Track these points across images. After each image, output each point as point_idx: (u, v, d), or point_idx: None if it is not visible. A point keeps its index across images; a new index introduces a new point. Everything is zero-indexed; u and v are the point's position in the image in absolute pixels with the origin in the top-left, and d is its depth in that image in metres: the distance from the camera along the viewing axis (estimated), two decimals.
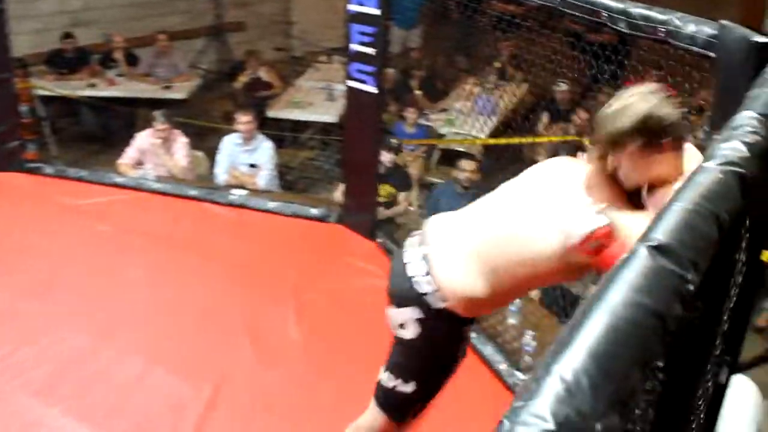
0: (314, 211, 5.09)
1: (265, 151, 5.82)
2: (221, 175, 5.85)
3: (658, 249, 0.87)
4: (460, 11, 4.76)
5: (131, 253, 4.63)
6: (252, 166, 5.81)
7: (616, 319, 0.73)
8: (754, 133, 1.35)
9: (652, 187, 2.05)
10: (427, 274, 2.27)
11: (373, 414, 2.53)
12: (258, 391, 3.48)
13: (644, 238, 0.91)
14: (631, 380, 0.69)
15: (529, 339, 3.67)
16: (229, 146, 5.87)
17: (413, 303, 2.29)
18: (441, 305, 2.26)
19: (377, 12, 4.54)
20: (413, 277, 2.29)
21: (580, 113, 6.49)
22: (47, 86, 7.00)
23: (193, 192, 5.35)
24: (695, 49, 2.48)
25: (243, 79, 7.69)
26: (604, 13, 2.92)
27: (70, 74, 7.40)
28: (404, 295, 2.32)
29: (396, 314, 2.35)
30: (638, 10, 2.75)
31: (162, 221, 5.05)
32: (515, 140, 5.86)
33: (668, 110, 2.02)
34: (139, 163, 5.84)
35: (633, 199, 2.10)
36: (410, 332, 2.33)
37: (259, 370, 3.62)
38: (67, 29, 7.52)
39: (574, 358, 0.67)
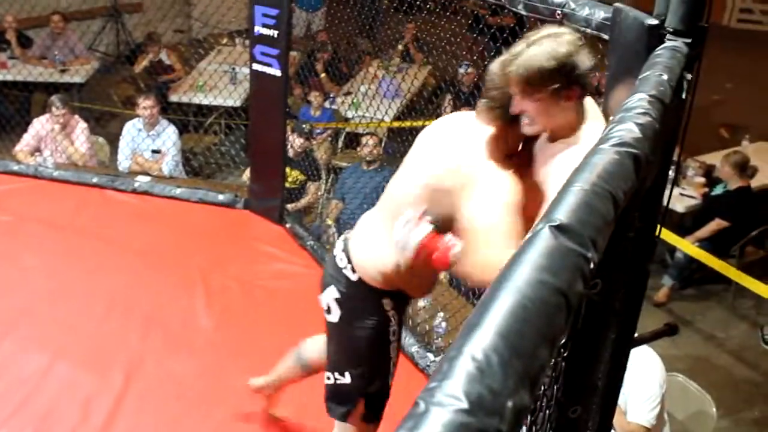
0: (221, 197, 5.04)
1: (168, 136, 5.71)
2: (124, 161, 5.72)
3: (560, 228, 0.91)
4: None
5: (32, 242, 4.50)
6: (155, 152, 5.69)
7: (522, 298, 0.77)
8: (645, 114, 1.40)
9: (553, 135, 2.06)
10: (343, 251, 2.36)
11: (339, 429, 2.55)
12: (168, 380, 3.44)
13: (546, 218, 0.95)
14: (539, 357, 0.72)
15: (439, 321, 3.73)
16: (132, 132, 5.74)
17: (332, 281, 2.37)
18: (354, 277, 2.32)
19: None
20: (335, 257, 2.38)
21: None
22: None
23: (95, 179, 5.22)
24: (590, 31, 2.56)
25: (143, 62, 7.52)
26: None
27: None
28: (326, 274, 2.41)
29: (322, 298, 2.41)
30: None
31: (63, 210, 4.90)
32: (420, 123, 5.93)
33: (584, 57, 2.01)
34: (36, 150, 5.65)
35: (519, 156, 2.12)
36: (334, 315, 2.38)
37: (169, 359, 3.57)
38: None
39: (483, 338, 0.70)
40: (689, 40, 2.03)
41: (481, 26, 7.36)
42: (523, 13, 2.89)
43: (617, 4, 2.35)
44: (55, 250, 4.43)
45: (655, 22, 2.06)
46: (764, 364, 5.16)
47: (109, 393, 3.33)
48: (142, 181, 5.22)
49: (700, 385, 3.66)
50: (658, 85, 1.61)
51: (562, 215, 0.95)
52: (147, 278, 4.16)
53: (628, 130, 1.29)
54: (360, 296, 2.34)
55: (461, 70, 7.12)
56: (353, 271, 2.32)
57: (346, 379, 2.43)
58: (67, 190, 5.17)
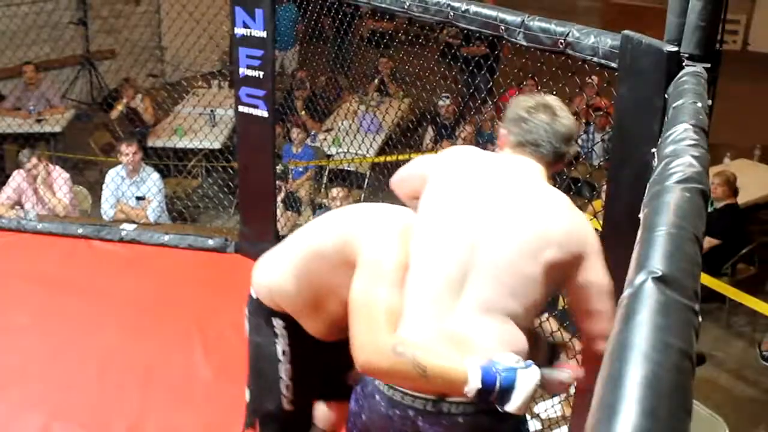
0: (211, 242, 4.94)
1: (153, 182, 5.62)
2: (109, 210, 5.62)
3: (664, 281, 0.85)
4: (334, 30, 4.74)
5: (18, 299, 4.36)
6: (140, 198, 5.60)
7: (653, 366, 0.70)
8: (697, 145, 1.36)
9: None
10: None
11: None
12: None
13: (644, 267, 0.88)
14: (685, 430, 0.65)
15: None
16: (116, 180, 5.65)
17: (246, 302, 2.48)
18: (254, 295, 2.42)
19: (263, 34, 4.47)
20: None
21: (466, 127, 6.56)
22: None
23: (80, 230, 5.09)
24: (596, 59, 2.53)
25: (119, 107, 7.44)
26: (502, 27, 2.94)
27: None
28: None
29: None
30: (536, 22, 2.78)
31: (49, 263, 4.78)
32: (405, 156, 5.88)
33: None
34: (17, 203, 5.53)
35: None
36: (246, 330, 2.50)
37: (171, 414, 3.45)
38: None
39: (628, 422, 0.63)
40: (708, 65, 2.01)
41: (450, 56, 7.38)
42: (524, 43, 2.85)
43: (626, 32, 2.33)
44: (45, 307, 4.29)
45: (674, 48, 2.03)
46: (765, 381, 5.14)
47: None
48: (128, 229, 5.10)
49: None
50: (696, 113, 1.57)
51: (660, 264, 0.89)
52: (142, 331, 4.04)
53: (688, 164, 1.24)
54: (256, 314, 2.43)
55: (441, 103, 7.11)
56: (252, 288, 2.43)
57: (247, 396, 2.52)
58: (53, 242, 5.04)
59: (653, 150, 1.48)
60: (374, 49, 7.88)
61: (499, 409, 1.86)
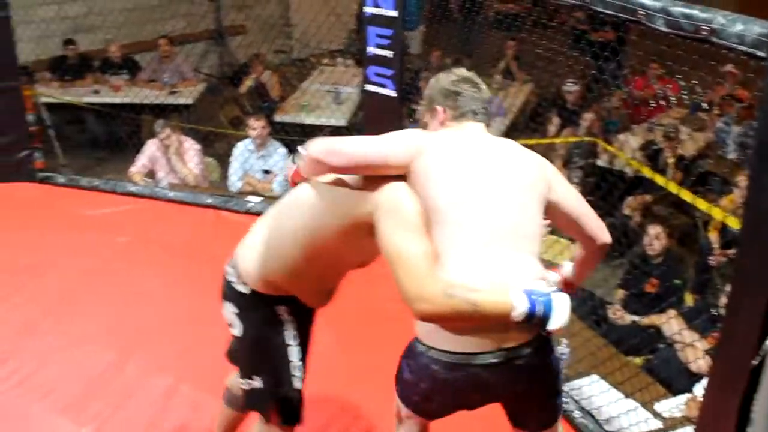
0: None
1: (279, 156, 5.74)
2: (236, 182, 5.77)
3: None
4: (461, 11, 4.69)
5: (150, 264, 4.56)
6: (266, 172, 5.73)
7: None
8: None
9: None
10: (230, 265, 2.44)
11: (258, 427, 2.59)
12: None
13: None
14: None
15: (563, 347, 3.59)
16: (243, 152, 5.79)
17: (228, 298, 2.46)
18: (246, 290, 2.39)
19: (394, 14, 4.48)
20: (226, 272, 2.46)
21: (586, 115, 6.41)
22: (53, 94, 6.91)
23: (209, 200, 5.28)
24: (743, 48, 2.43)
25: (248, 82, 7.61)
26: (642, 12, 2.86)
27: (74, 81, 7.31)
28: (223, 291, 2.48)
29: (224, 314, 2.50)
30: (678, 8, 2.69)
31: (180, 231, 4.98)
32: (524, 141, 5.80)
33: None
34: (151, 171, 5.76)
35: None
36: (237, 329, 2.46)
37: None
38: (69, 35, 7.44)
39: None
40: None
41: (582, 43, 7.22)
42: (664, 29, 2.76)
43: None
44: (173, 273, 4.47)
45: None
46: None
47: None
48: (254, 201, 5.24)
49: None
50: None
51: None
52: None
53: None
54: (254, 307, 2.40)
55: (566, 88, 6.97)
56: (243, 283, 2.39)
57: (257, 383, 2.48)
58: (183, 210, 5.25)
59: None
60: (499, 32, 7.79)
61: (542, 332, 2.09)
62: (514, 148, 2.26)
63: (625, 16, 2.99)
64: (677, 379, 3.63)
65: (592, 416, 3.22)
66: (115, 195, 5.44)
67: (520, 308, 1.99)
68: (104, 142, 6.79)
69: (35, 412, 3.34)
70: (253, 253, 2.37)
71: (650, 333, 4.03)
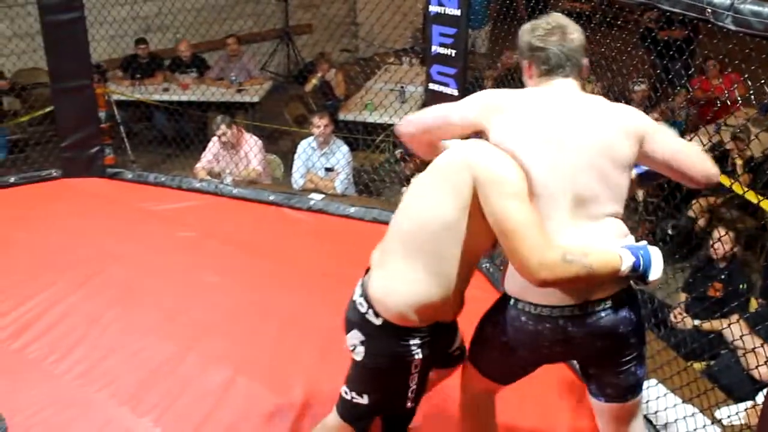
0: None
1: (341, 154, 5.78)
2: (299, 179, 5.83)
3: None
4: (528, 10, 4.64)
5: (213, 258, 4.65)
6: (329, 169, 5.77)
7: None
8: None
9: None
10: (361, 296, 2.38)
11: (334, 418, 2.60)
12: None
13: None
14: None
15: None
16: (307, 150, 5.85)
17: (355, 326, 2.39)
18: (378, 321, 2.33)
19: (458, 12, 4.47)
20: (355, 301, 2.40)
21: (653, 114, 6.29)
22: (125, 92, 7.08)
23: (272, 197, 5.35)
24: None
25: (314, 81, 7.68)
26: (709, 9, 2.80)
27: (144, 79, 7.49)
28: (350, 319, 2.42)
29: (347, 338, 2.44)
30: (748, 5, 2.62)
31: (242, 227, 5.06)
32: None
33: None
34: (215, 168, 5.86)
35: None
36: (359, 354, 2.41)
37: (342, 382, 3.53)
38: (140, 35, 7.62)
39: None
40: None
41: (649, 41, 7.07)
42: (732, 28, 2.70)
43: None
44: (235, 267, 4.54)
45: None
46: None
47: (289, 411, 3.35)
48: (316, 199, 5.29)
49: None
50: None
51: None
52: (323, 298, 4.16)
53: None
54: (384, 337, 2.34)
55: (636, 88, 6.84)
56: (376, 315, 2.32)
57: (364, 400, 2.46)
58: (246, 207, 5.34)
59: None
60: None
61: (642, 285, 2.21)
62: (598, 107, 2.24)
63: (692, 14, 2.93)
64: (739, 386, 3.54)
65: (650, 421, 3.16)
66: (181, 191, 5.57)
67: (627, 262, 2.11)
68: (172, 138, 6.92)
69: (96, 401, 3.43)
70: (399, 286, 2.28)
71: (711, 338, 3.93)
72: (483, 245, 2.28)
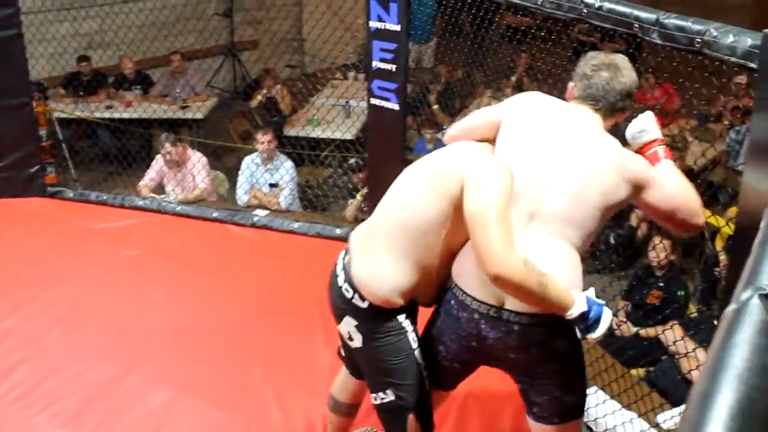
0: (338, 231, 5.03)
1: (286, 170, 5.79)
2: (243, 195, 5.82)
3: None
4: (473, 25, 4.71)
5: (156, 277, 4.61)
6: (273, 185, 5.77)
7: (748, 389, 0.68)
8: None
9: None
10: (345, 281, 2.42)
11: None
12: (292, 420, 3.41)
13: (752, 283, 0.86)
14: None
15: None
16: (251, 166, 5.84)
17: (346, 312, 2.44)
18: (364, 305, 2.39)
19: (398, 28, 4.51)
20: (340, 288, 2.44)
21: None
22: (66, 109, 6.99)
23: (215, 214, 5.33)
24: (734, 59, 2.45)
25: (259, 97, 7.67)
26: (636, 24, 2.89)
27: (87, 96, 7.40)
28: (339, 306, 2.48)
29: (341, 328, 2.51)
30: (672, 20, 2.71)
31: (186, 244, 5.03)
32: None
33: None
34: (159, 185, 5.82)
35: None
36: (357, 341, 2.46)
37: (292, 399, 3.52)
38: (82, 52, 7.53)
39: None
40: None
41: (583, 54, 7.17)
42: (659, 42, 2.79)
43: (767, 31, 2.23)
44: (178, 285, 4.51)
45: None
46: None
47: (234, 430, 3.33)
48: (261, 215, 5.29)
49: None
50: None
51: None
52: (267, 314, 4.17)
53: None
54: (375, 318, 2.40)
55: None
56: (362, 299, 2.39)
57: (390, 395, 2.47)
58: (190, 224, 5.30)
59: None
60: (510, 45, 7.80)
61: (581, 335, 2.19)
62: (605, 143, 2.26)
63: (621, 29, 3.03)
64: (675, 390, 3.62)
65: (590, 428, 3.22)
66: (123, 209, 5.51)
67: (579, 308, 2.11)
68: (114, 156, 6.85)
69: (36, 424, 3.37)
70: (379, 270, 2.35)
71: (651, 344, 4.01)
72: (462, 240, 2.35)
